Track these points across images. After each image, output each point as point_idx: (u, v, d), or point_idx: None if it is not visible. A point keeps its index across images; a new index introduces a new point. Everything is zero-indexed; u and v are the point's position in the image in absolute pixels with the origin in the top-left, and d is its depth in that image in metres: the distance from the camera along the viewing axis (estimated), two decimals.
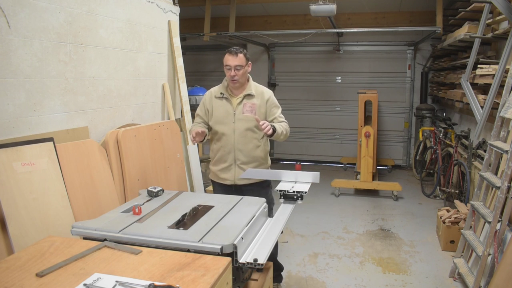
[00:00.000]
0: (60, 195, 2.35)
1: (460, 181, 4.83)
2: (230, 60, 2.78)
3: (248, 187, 2.88)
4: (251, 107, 2.86)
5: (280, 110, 2.97)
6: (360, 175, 5.79)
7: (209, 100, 2.94)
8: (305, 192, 2.42)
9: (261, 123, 2.63)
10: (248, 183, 2.87)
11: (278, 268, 3.18)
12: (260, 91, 2.93)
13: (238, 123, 2.84)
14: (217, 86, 2.99)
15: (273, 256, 3.08)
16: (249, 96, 2.87)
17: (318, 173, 2.57)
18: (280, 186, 2.51)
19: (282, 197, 2.46)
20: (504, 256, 2.62)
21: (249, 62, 2.87)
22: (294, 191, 2.43)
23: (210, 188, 4.44)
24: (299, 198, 2.42)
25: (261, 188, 2.91)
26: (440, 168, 5.37)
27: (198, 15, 6.78)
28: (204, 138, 2.84)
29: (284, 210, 2.32)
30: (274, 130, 2.70)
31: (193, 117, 4.44)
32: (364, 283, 3.36)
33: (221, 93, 2.90)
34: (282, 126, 2.84)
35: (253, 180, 2.86)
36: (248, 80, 2.93)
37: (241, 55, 2.79)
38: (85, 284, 1.43)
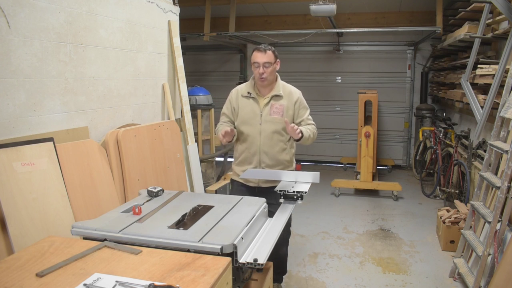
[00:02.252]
0: (60, 195, 2.35)
1: (460, 181, 4.83)
2: (259, 57, 2.68)
3: (271, 189, 2.75)
4: (278, 108, 2.76)
5: (308, 111, 2.87)
6: (360, 175, 5.79)
7: (235, 99, 2.84)
8: (305, 192, 2.42)
9: (290, 126, 2.56)
10: (272, 186, 2.77)
11: (282, 271, 3.15)
12: (288, 91, 2.83)
13: (265, 125, 2.75)
14: (243, 84, 2.90)
15: (283, 258, 3.05)
16: (277, 96, 2.77)
17: (318, 173, 2.56)
18: (280, 186, 2.51)
19: (282, 197, 2.45)
20: (504, 256, 2.62)
21: (278, 59, 2.78)
22: (294, 191, 2.42)
23: (210, 188, 4.45)
24: (299, 198, 2.42)
25: None
26: (440, 168, 5.37)
27: (198, 15, 6.78)
28: (233, 138, 2.75)
29: (284, 210, 2.32)
30: (302, 135, 2.63)
31: (193, 117, 4.46)
32: (364, 283, 3.36)
33: (248, 92, 2.80)
34: (309, 130, 2.75)
35: (277, 182, 2.79)
36: (276, 79, 2.83)
37: (269, 52, 2.69)
38: (85, 284, 1.43)
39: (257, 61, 2.69)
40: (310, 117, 2.88)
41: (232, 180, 3.01)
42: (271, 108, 2.77)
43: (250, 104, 2.79)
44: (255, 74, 2.73)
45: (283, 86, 2.84)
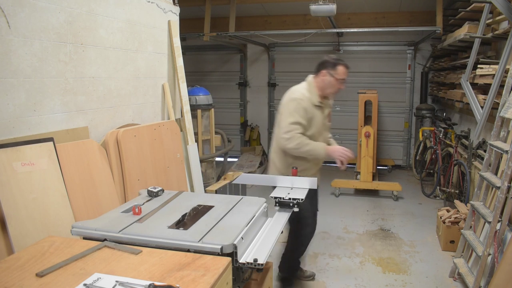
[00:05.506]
0: (60, 195, 2.35)
1: (460, 181, 4.83)
2: (346, 73, 2.82)
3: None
4: (329, 115, 2.91)
5: None
6: (360, 175, 5.79)
7: (310, 109, 2.78)
8: (302, 199, 2.29)
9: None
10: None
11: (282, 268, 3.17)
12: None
13: (325, 133, 2.88)
14: (305, 92, 2.81)
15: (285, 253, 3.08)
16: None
17: (316, 178, 2.48)
18: (275, 193, 2.38)
19: (277, 204, 2.33)
20: (504, 256, 2.62)
21: None
22: (290, 198, 2.29)
23: (210, 188, 4.44)
24: (296, 206, 2.29)
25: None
26: (440, 168, 5.37)
27: (198, 15, 6.78)
28: None
29: (279, 218, 2.22)
30: None
31: (193, 117, 4.45)
32: (364, 283, 3.36)
33: (320, 102, 2.82)
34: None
35: None
36: None
37: None
38: (85, 284, 1.43)
39: (344, 78, 2.77)
40: None
41: None
42: (328, 115, 2.89)
43: (319, 114, 2.82)
44: (334, 89, 2.80)
45: None
